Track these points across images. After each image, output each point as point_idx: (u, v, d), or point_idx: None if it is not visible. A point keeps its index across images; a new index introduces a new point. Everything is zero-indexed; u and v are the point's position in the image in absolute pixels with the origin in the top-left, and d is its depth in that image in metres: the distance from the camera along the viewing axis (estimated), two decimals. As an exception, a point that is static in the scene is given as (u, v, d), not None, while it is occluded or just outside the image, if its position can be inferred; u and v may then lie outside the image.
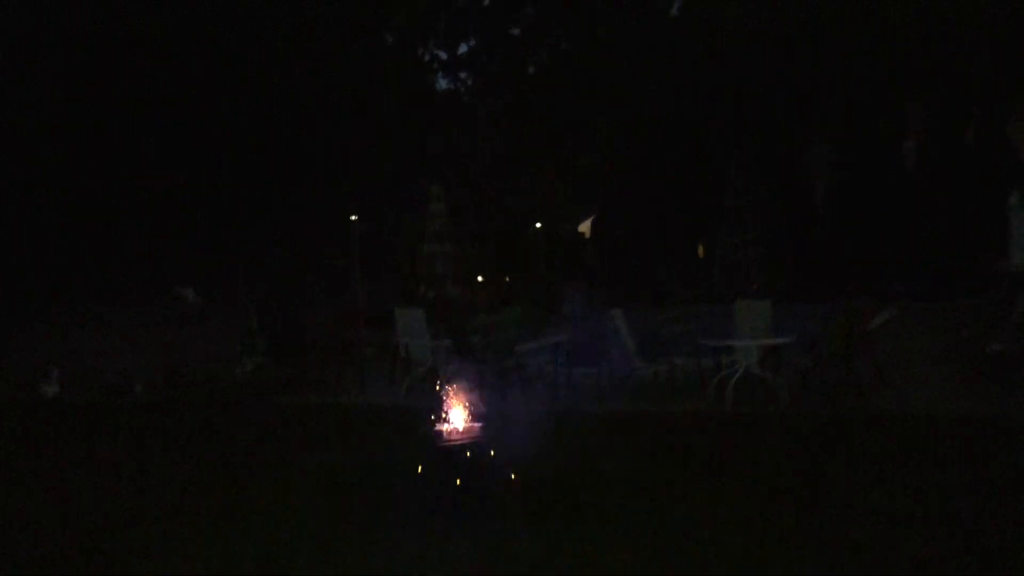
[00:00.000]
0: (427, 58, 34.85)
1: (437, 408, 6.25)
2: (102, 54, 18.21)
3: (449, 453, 5.97)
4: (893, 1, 23.90)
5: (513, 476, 6.06)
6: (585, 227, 34.28)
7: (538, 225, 28.13)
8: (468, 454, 5.97)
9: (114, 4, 18.13)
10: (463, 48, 35.53)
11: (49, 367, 12.53)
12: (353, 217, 18.64)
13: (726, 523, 5.44)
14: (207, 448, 8.49)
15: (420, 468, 5.90)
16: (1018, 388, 9.48)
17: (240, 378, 13.77)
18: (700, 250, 26.92)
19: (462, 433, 6.05)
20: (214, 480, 7.08)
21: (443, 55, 35.59)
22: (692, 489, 6.24)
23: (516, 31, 35.28)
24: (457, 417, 6.15)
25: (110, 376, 12.65)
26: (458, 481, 5.88)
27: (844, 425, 8.29)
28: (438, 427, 6.07)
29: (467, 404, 6.20)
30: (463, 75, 36.37)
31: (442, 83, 35.83)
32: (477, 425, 6.10)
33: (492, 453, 6.01)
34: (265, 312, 15.98)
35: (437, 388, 6.33)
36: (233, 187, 19.97)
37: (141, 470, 7.61)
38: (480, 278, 24.90)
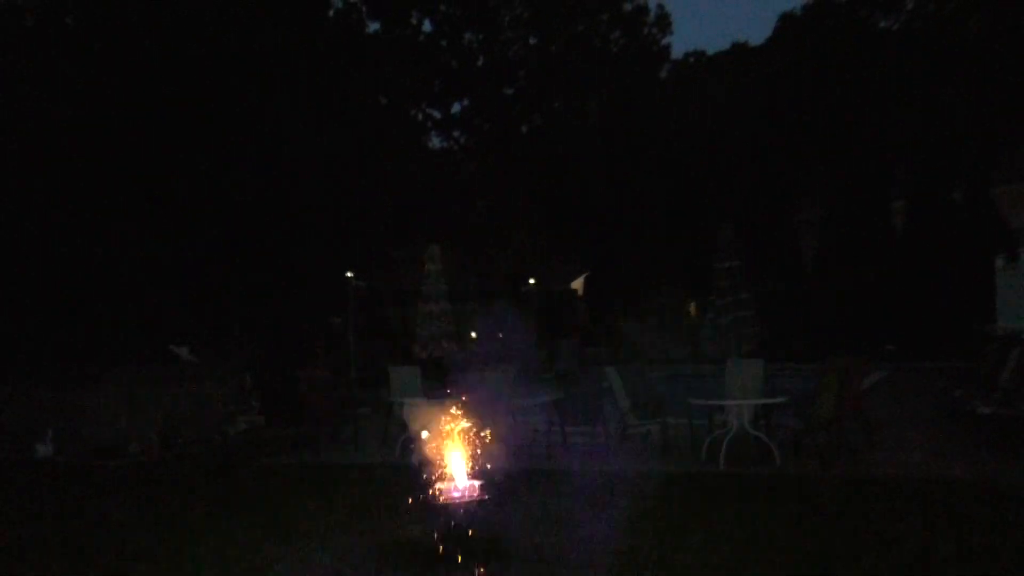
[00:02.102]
0: (420, 117, 35.38)
1: (433, 468, 6.32)
2: (97, 108, 18.49)
3: (448, 513, 6.04)
4: (878, 69, 24.48)
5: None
6: (578, 284, 34.48)
7: (531, 282, 28.31)
8: (466, 513, 6.03)
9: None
10: (456, 107, 36.13)
11: (44, 427, 12.49)
12: (349, 274, 18.78)
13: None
14: (201, 510, 8.49)
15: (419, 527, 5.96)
16: (1007, 451, 9.56)
17: (234, 437, 13.75)
18: (692, 308, 27.11)
19: (460, 492, 6.12)
20: (209, 542, 7.09)
21: (437, 114, 36.15)
22: (680, 551, 6.29)
23: (510, 91, 35.89)
24: (455, 477, 6.23)
25: (105, 436, 12.60)
26: (452, 540, 5.95)
27: (835, 487, 8.35)
28: (436, 487, 6.14)
29: (464, 464, 6.28)
30: (456, 134, 36.90)
31: (435, 141, 36.35)
32: (476, 484, 6.18)
33: (485, 511, 6.08)
34: (259, 371, 16.01)
35: (430, 447, 6.40)
36: (228, 246, 20.12)
37: (135, 532, 7.61)
38: (473, 335, 24.97)
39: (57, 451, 12.25)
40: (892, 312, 22.54)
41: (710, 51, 36.00)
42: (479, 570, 5.80)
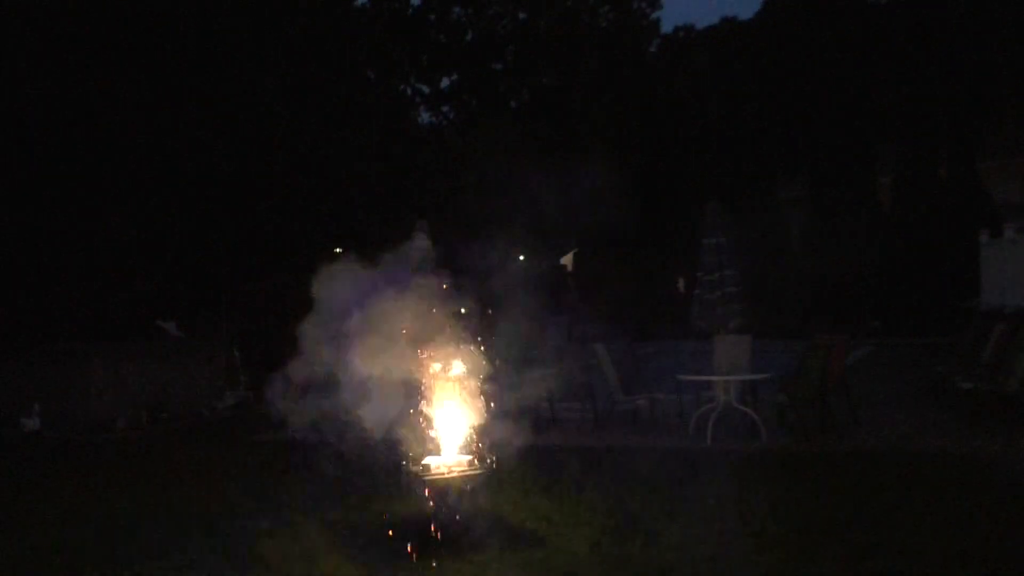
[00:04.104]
0: (409, 92, 35.14)
1: (422, 443, 6.36)
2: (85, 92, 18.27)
3: (435, 487, 6.08)
4: (865, 45, 24.42)
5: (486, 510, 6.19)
6: (567, 260, 34.50)
7: (520, 258, 28.27)
8: (454, 488, 6.08)
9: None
10: (445, 82, 35.91)
11: (31, 402, 12.47)
12: (338, 250, 18.67)
13: (697, 561, 5.57)
14: (188, 484, 8.51)
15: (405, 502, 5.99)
16: (988, 425, 9.68)
17: (222, 413, 13.77)
18: (680, 284, 27.20)
19: (448, 467, 6.17)
20: (198, 518, 7.12)
21: (425, 89, 35.92)
22: (668, 526, 6.36)
23: (498, 66, 35.69)
24: (443, 451, 6.27)
25: (92, 411, 12.59)
26: (443, 515, 6.00)
27: (819, 462, 8.43)
28: (425, 461, 6.18)
29: (453, 439, 6.32)
30: (445, 109, 36.70)
31: (424, 117, 36.11)
32: (464, 459, 6.22)
33: (475, 487, 6.13)
34: (247, 346, 15.99)
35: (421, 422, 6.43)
36: (213, 221, 20.01)
37: (121, 505, 7.63)
38: (463, 310, 24.90)
39: (44, 426, 12.23)
40: (877, 288, 22.68)
41: (699, 25, 35.92)
42: (469, 548, 5.84)
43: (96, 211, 18.12)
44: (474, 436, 6.29)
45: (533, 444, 9.29)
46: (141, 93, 18.50)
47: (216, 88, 19.66)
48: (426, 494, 6.19)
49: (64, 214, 17.99)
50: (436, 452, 6.28)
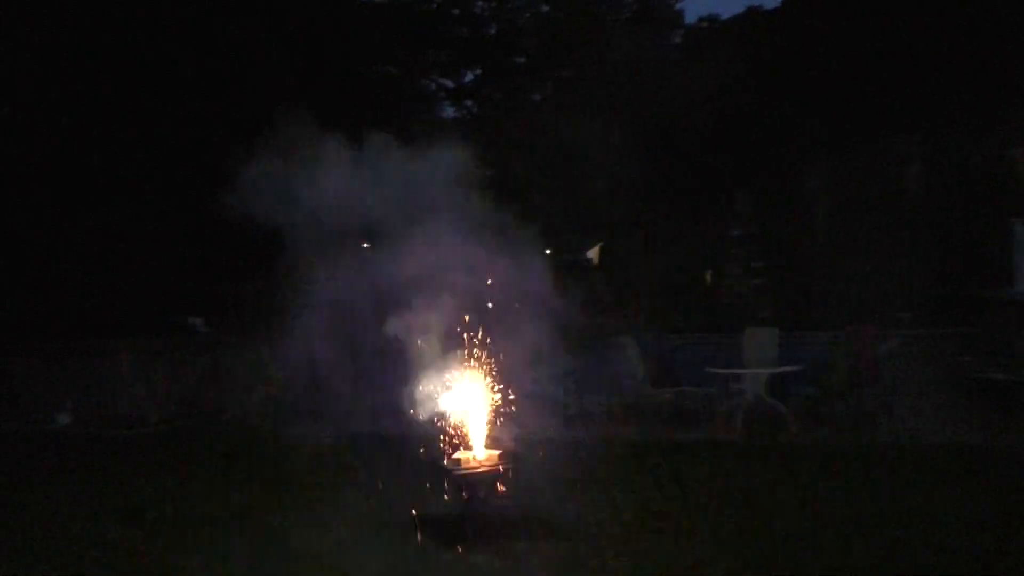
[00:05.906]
0: (432, 87, 35.14)
1: (451, 437, 6.38)
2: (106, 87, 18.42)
3: (465, 481, 6.10)
4: (890, 34, 24.07)
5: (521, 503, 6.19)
6: (594, 252, 34.33)
7: (547, 251, 28.25)
8: (482, 482, 6.10)
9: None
10: (468, 76, 35.86)
11: (63, 398, 12.63)
12: (365, 244, 18.72)
13: (727, 555, 5.54)
14: (217, 478, 8.59)
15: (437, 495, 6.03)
16: (1021, 416, 9.55)
17: (251, 408, 13.83)
18: (708, 277, 27.00)
19: (478, 462, 6.18)
20: (232, 512, 7.18)
21: (448, 84, 35.92)
22: (698, 519, 6.34)
23: (521, 60, 35.60)
24: (473, 446, 6.29)
25: (122, 407, 12.73)
26: (473, 509, 6.02)
27: (850, 455, 8.36)
28: (455, 455, 6.19)
29: (482, 433, 6.34)
30: (468, 103, 36.66)
31: (448, 111, 36.12)
32: (494, 453, 6.23)
33: (504, 481, 6.14)
34: (276, 342, 16.04)
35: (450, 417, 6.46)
36: (240, 219, 20.11)
37: (151, 498, 7.71)
38: (490, 304, 24.84)
39: (76, 422, 12.38)
40: (906, 279, 22.37)
41: (724, 16, 35.54)
42: (498, 543, 5.86)
43: (116, 207, 18.28)
44: (503, 431, 6.30)
45: (561, 438, 9.32)
46: (147, 90, 18.61)
47: (223, 87, 19.74)
48: (457, 488, 6.22)
49: (87, 210, 18.18)
50: (467, 447, 6.29)
